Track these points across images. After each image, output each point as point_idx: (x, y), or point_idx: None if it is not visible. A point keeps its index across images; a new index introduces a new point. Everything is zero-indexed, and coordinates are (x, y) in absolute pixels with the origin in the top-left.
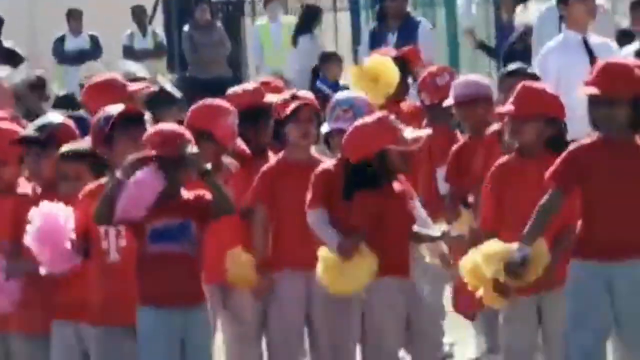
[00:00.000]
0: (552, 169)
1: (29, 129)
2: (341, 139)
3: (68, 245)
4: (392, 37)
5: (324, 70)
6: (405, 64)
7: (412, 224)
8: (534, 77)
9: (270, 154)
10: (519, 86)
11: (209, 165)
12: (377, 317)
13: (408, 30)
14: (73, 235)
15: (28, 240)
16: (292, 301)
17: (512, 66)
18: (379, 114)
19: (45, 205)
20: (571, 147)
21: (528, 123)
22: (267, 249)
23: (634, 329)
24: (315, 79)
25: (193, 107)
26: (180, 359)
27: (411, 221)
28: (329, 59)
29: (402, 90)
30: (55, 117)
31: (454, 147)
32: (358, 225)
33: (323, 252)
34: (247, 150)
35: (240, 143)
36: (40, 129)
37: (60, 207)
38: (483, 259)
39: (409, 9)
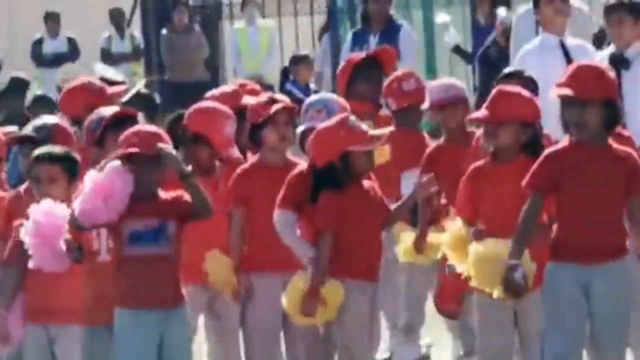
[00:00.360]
0: (528, 175)
1: (26, 130)
2: None
3: (63, 245)
4: (374, 39)
5: (295, 73)
6: (379, 65)
7: (385, 217)
8: (531, 81)
9: (249, 155)
10: (493, 91)
11: (189, 168)
12: (347, 321)
13: (390, 33)
14: (68, 236)
15: (23, 235)
16: (268, 303)
17: (508, 69)
18: (339, 115)
19: (46, 203)
20: (546, 151)
21: (503, 127)
22: (243, 251)
23: (608, 331)
24: (285, 81)
25: (193, 108)
26: None
27: (384, 214)
28: (300, 62)
29: (377, 92)
30: (50, 118)
31: (427, 151)
32: (322, 228)
33: (294, 282)
34: (240, 158)
35: (235, 150)
36: (38, 129)
37: (62, 207)
38: (475, 263)
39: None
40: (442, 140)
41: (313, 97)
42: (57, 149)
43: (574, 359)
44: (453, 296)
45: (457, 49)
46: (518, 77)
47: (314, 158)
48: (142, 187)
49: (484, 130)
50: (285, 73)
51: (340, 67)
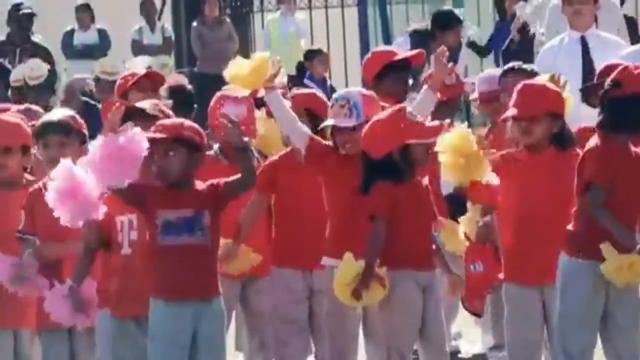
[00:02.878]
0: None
1: (47, 118)
2: (342, 135)
3: (91, 195)
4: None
5: (310, 67)
6: (407, 67)
7: (433, 219)
8: (533, 74)
9: None
10: (519, 86)
11: (246, 139)
12: (393, 311)
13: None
14: (96, 191)
15: (49, 197)
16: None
17: (510, 64)
18: (395, 107)
19: (66, 163)
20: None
21: (536, 122)
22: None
23: (626, 312)
24: (302, 76)
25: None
26: (192, 351)
27: (433, 216)
28: (315, 56)
29: (400, 93)
30: (67, 110)
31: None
32: (377, 213)
33: (348, 261)
34: None
35: None
36: (62, 116)
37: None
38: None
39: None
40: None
41: (338, 92)
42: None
43: (591, 355)
44: (478, 293)
45: (470, 44)
46: (521, 71)
47: (370, 149)
48: (177, 176)
49: (517, 127)
50: (301, 68)
51: (370, 56)
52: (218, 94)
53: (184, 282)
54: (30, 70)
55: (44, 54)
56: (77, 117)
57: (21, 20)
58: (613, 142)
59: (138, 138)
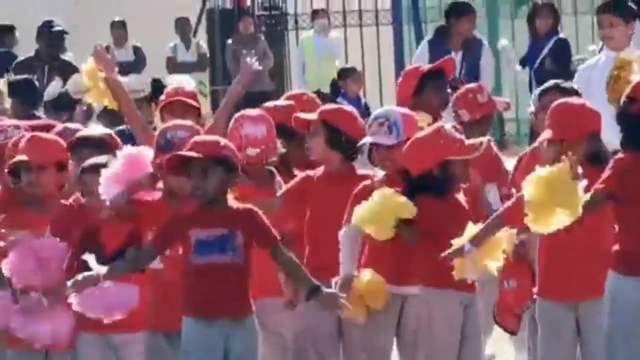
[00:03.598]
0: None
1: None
2: (379, 153)
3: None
4: (456, 56)
5: (344, 85)
6: (445, 76)
7: None
8: (575, 93)
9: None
10: (555, 106)
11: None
12: (435, 330)
13: (472, 50)
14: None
15: (104, 180)
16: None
17: (551, 82)
18: (435, 125)
19: (127, 149)
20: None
21: (575, 144)
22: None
23: None
24: (335, 94)
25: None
26: None
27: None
28: (349, 75)
29: (442, 102)
30: (100, 128)
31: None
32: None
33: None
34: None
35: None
36: (99, 132)
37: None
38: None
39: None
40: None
41: (376, 111)
42: (102, 159)
43: None
44: (510, 310)
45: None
46: (559, 89)
47: (411, 166)
48: (212, 195)
49: (554, 148)
50: (334, 86)
51: (403, 76)
52: (236, 114)
53: (215, 300)
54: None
55: (73, 72)
56: (114, 135)
57: (52, 38)
58: (634, 159)
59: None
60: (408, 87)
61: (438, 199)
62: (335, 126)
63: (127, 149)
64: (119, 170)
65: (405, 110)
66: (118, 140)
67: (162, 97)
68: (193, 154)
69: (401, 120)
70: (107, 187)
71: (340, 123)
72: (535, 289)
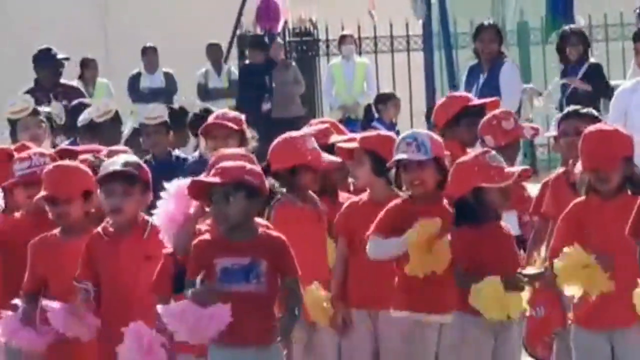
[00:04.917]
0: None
1: (112, 165)
2: (409, 172)
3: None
4: (483, 77)
5: (381, 110)
6: (483, 114)
7: (516, 266)
8: (595, 119)
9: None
10: (589, 133)
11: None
12: (463, 354)
13: (496, 71)
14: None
15: (160, 222)
16: (363, 337)
17: (571, 108)
18: (479, 150)
19: (171, 185)
20: None
21: (612, 170)
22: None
23: None
24: (369, 117)
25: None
26: None
27: (515, 263)
28: (387, 100)
29: (473, 139)
30: (130, 156)
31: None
32: (455, 259)
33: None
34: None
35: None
36: (127, 164)
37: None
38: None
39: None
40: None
41: (404, 133)
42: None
43: None
44: (541, 338)
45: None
46: (583, 115)
47: (449, 191)
48: (236, 221)
49: (593, 175)
50: (369, 110)
51: (446, 100)
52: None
53: (240, 329)
54: (96, 110)
55: (78, 96)
56: (142, 164)
57: (54, 65)
58: None
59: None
60: (445, 114)
61: (473, 227)
62: (379, 154)
63: (171, 185)
64: (171, 208)
65: (431, 132)
66: (146, 169)
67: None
68: (214, 179)
69: (428, 139)
70: (166, 228)
71: (384, 150)
72: (569, 315)
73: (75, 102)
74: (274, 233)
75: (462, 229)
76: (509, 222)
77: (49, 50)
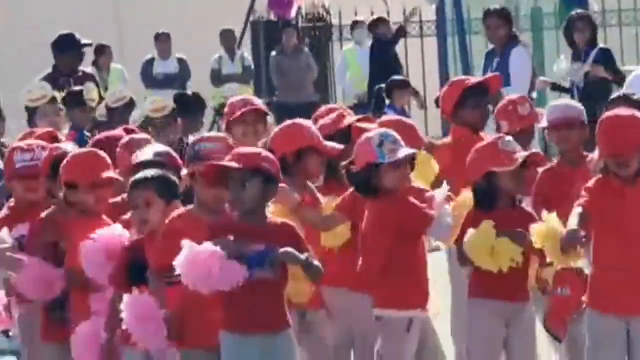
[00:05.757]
0: None
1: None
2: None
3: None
4: (497, 60)
5: (394, 96)
6: (487, 92)
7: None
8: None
9: None
10: (608, 120)
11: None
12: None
13: (507, 55)
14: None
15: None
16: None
17: (618, 93)
18: (495, 136)
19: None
20: None
21: (633, 156)
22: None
23: None
24: (380, 101)
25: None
26: None
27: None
28: (401, 86)
29: (482, 118)
30: (159, 146)
31: (541, 172)
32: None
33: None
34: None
35: None
36: (159, 154)
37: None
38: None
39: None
40: (555, 162)
41: (379, 133)
42: (149, 172)
43: None
44: (561, 318)
45: (555, 87)
46: (625, 100)
47: (466, 176)
48: (251, 207)
49: (613, 161)
50: (379, 96)
51: (447, 87)
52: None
53: (253, 315)
54: (111, 95)
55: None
56: (173, 153)
57: (75, 52)
58: None
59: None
60: (450, 99)
61: (488, 212)
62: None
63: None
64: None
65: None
66: (177, 158)
67: (226, 109)
68: (232, 164)
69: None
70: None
71: (403, 135)
72: (584, 299)
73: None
74: (281, 220)
75: (478, 214)
76: None
77: (72, 35)
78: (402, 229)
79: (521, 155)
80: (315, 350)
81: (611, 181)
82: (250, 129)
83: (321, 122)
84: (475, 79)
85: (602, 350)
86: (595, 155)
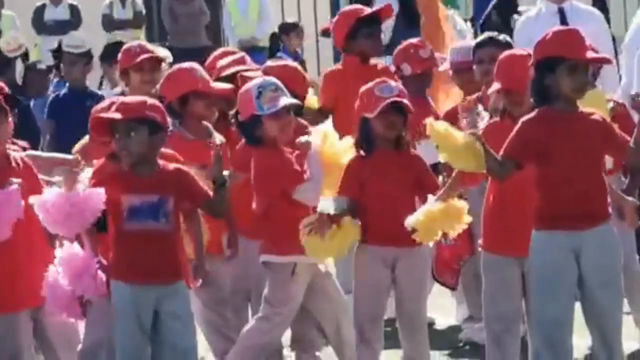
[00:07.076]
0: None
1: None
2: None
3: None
4: None
5: (285, 40)
6: (378, 22)
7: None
8: (508, 45)
9: None
10: (504, 58)
11: (226, 174)
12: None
13: None
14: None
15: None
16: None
17: (485, 35)
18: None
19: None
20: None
21: (526, 94)
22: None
23: (605, 294)
24: (275, 47)
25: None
26: (157, 326)
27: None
28: (291, 30)
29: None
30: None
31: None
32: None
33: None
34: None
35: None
36: None
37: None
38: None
39: None
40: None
41: (261, 81)
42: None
43: (569, 325)
44: (448, 266)
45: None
46: (495, 43)
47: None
48: (138, 156)
49: (506, 99)
50: (274, 41)
51: (337, 18)
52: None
53: (147, 266)
54: (7, 44)
55: None
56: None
57: None
58: None
59: (96, 196)
60: (341, 30)
61: (365, 157)
62: (284, 84)
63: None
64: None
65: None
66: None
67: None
68: (115, 115)
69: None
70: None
71: (287, 80)
72: (480, 242)
73: None
74: (172, 166)
75: (354, 159)
76: (428, 151)
77: None
78: (275, 182)
79: (390, 101)
80: (211, 297)
81: (504, 121)
82: (148, 76)
83: (220, 62)
84: (367, 10)
85: (497, 293)
86: (492, 89)
